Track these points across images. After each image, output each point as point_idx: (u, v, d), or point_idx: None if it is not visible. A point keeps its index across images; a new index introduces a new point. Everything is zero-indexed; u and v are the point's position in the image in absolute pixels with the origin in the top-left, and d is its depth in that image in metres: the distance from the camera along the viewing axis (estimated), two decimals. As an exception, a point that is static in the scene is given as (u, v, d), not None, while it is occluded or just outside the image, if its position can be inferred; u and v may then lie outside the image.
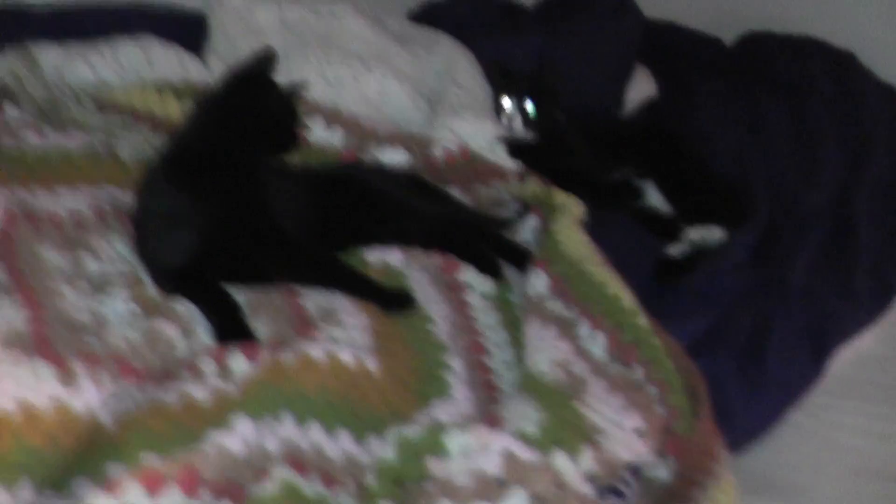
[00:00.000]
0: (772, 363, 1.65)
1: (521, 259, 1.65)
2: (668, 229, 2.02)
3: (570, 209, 1.74)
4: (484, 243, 1.70)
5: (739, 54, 2.78)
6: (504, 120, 2.10)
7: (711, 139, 2.39)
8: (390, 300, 1.49)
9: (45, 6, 2.10)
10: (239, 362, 1.26)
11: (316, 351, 1.27)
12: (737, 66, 2.71)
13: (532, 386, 1.32)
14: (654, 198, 2.12)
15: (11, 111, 1.81)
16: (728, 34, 2.86)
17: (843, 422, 1.68)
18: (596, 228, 1.88)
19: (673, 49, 2.82)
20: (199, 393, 1.19)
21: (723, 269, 1.86)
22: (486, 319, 1.56)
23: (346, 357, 1.28)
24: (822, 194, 2.26)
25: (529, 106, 2.12)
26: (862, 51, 2.64)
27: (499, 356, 1.49)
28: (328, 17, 2.16)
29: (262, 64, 1.58)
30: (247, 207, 1.49)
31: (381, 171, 1.84)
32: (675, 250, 1.93)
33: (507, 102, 2.12)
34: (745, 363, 1.63)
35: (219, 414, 1.16)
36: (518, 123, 2.11)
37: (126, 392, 1.21)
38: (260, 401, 1.18)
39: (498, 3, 2.68)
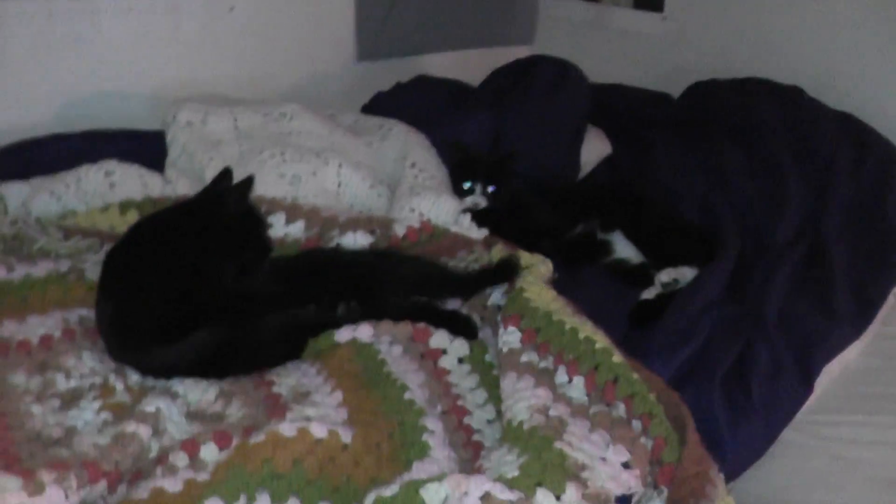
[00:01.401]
0: (757, 388, 1.64)
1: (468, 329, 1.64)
2: (639, 277, 2.03)
3: (538, 268, 1.75)
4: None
5: (689, 105, 2.84)
6: (468, 200, 2.14)
7: (675, 189, 2.43)
8: None
9: (8, 147, 2.14)
10: (211, 451, 1.27)
11: (286, 428, 1.25)
12: (688, 116, 2.77)
13: (512, 435, 1.30)
14: (624, 249, 2.13)
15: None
16: (674, 90, 2.92)
17: (844, 436, 1.67)
18: (570, 283, 1.91)
19: (624, 108, 2.88)
20: (170, 486, 1.18)
21: (697, 306, 1.84)
22: (464, 382, 1.54)
23: (318, 432, 1.26)
24: (791, 224, 2.29)
25: (490, 187, 2.17)
26: (808, 87, 2.70)
27: (480, 415, 1.47)
28: (280, 120, 2.20)
29: (220, 182, 1.69)
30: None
31: (343, 250, 1.86)
32: (648, 293, 1.92)
33: (468, 185, 2.17)
34: (730, 391, 1.62)
35: (191, 501, 1.14)
36: (481, 201, 2.16)
37: (97, 495, 1.20)
38: (231, 483, 1.16)
39: (445, 86, 2.75)
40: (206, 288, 1.56)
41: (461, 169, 2.21)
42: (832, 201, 2.34)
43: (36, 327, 1.58)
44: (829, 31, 2.74)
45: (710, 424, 1.50)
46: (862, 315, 1.98)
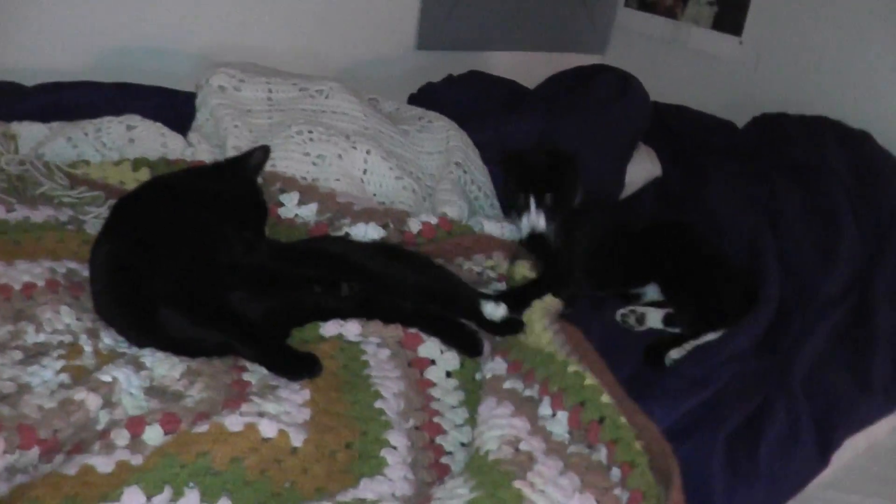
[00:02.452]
0: (765, 454, 1.48)
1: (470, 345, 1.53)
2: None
3: (544, 306, 1.63)
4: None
5: (752, 136, 2.68)
6: (525, 220, 1.92)
7: (723, 222, 2.28)
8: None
9: (40, 86, 2.10)
10: (155, 434, 1.19)
11: (233, 422, 1.16)
12: (749, 148, 2.61)
13: (475, 464, 1.21)
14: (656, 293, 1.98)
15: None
16: (741, 117, 2.76)
17: (853, 519, 1.50)
18: (588, 307, 1.84)
19: (684, 131, 2.74)
20: (102, 465, 1.10)
21: (719, 357, 1.70)
22: (448, 398, 1.44)
23: (266, 430, 1.18)
24: (839, 278, 2.10)
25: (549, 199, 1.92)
26: (879, 131, 2.51)
27: (455, 437, 1.38)
28: (316, 96, 2.13)
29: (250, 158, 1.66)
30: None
31: (350, 242, 1.75)
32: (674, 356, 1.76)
33: (527, 200, 1.92)
34: (734, 452, 1.47)
35: (116, 486, 1.06)
36: (541, 221, 1.91)
37: (28, 462, 1.14)
38: (158, 472, 1.07)
39: (499, 84, 2.65)
40: (220, 255, 1.49)
41: (520, 181, 1.96)
42: (888, 260, 2.16)
43: (21, 273, 1.53)
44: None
45: (703, 485, 1.37)
46: (900, 387, 1.80)
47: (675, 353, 1.72)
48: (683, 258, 1.96)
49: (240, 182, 1.65)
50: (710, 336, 1.77)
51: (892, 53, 2.58)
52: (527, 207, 1.91)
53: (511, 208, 1.99)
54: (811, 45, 2.77)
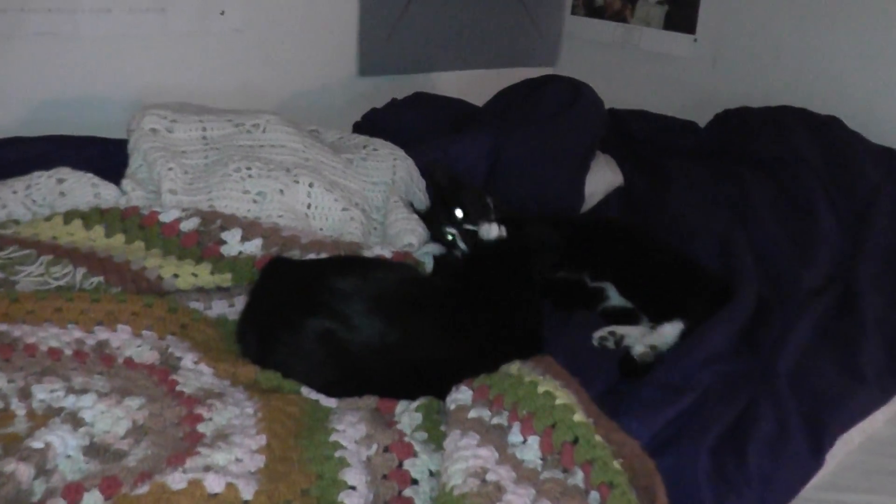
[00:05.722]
0: (755, 459, 1.43)
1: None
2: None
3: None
4: None
5: (716, 134, 2.70)
6: (451, 231, 1.96)
7: (691, 225, 2.28)
8: None
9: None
10: (94, 500, 1.14)
11: (176, 480, 1.11)
12: (714, 146, 2.63)
13: (441, 501, 1.15)
14: (619, 297, 1.95)
15: None
16: (702, 116, 2.77)
17: (855, 519, 1.46)
18: (557, 324, 1.82)
19: (645, 136, 2.74)
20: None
21: (696, 358, 1.67)
22: (417, 434, 1.38)
23: (213, 485, 1.13)
24: (819, 270, 2.10)
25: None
26: (847, 116, 2.52)
27: (425, 460, 1.31)
28: (253, 131, 2.09)
29: None
30: None
31: None
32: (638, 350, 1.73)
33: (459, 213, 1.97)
34: (722, 460, 1.42)
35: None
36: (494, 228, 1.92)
37: None
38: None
39: (446, 104, 2.64)
40: None
41: (449, 195, 2.02)
42: (869, 246, 2.16)
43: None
44: (873, 58, 2.58)
45: (690, 499, 1.32)
46: (894, 376, 1.77)
47: (638, 348, 1.71)
48: (634, 252, 1.98)
49: None
50: (668, 327, 1.76)
51: (855, 35, 2.60)
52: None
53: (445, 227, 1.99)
54: (768, 35, 2.80)
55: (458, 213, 1.97)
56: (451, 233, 1.96)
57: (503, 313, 1.63)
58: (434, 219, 2.01)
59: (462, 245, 1.95)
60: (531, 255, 1.86)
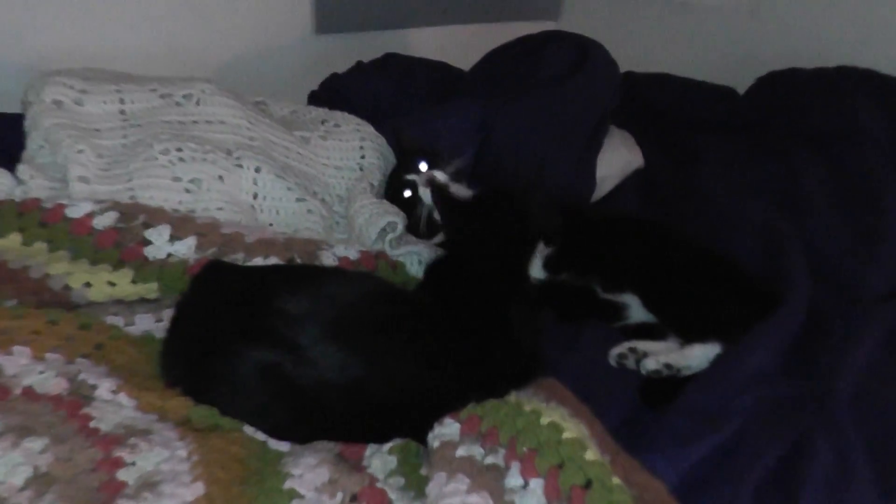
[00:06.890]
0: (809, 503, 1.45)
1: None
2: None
3: None
4: None
5: (758, 102, 2.74)
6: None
7: (728, 216, 2.30)
8: None
9: None
10: None
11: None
12: (756, 117, 2.66)
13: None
14: (640, 311, 1.97)
15: None
16: (741, 80, 2.79)
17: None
18: (564, 340, 1.87)
19: (670, 106, 2.77)
20: None
21: (735, 380, 1.70)
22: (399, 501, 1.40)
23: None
24: (888, 270, 2.12)
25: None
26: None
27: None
28: (185, 103, 2.10)
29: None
30: None
31: None
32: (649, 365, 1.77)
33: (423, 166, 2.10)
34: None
35: None
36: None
37: None
38: None
39: (423, 68, 2.67)
40: None
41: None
42: (950, 243, 2.19)
43: None
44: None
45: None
46: None
47: (649, 363, 1.75)
48: (661, 255, 1.99)
49: None
50: (698, 349, 1.77)
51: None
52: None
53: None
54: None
55: (423, 165, 2.07)
56: (410, 181, 2.06)
57: (490, 331, 1.64)
58: (395, 181, 2.10)
59: (426, 200, 2.03)
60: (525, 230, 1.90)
